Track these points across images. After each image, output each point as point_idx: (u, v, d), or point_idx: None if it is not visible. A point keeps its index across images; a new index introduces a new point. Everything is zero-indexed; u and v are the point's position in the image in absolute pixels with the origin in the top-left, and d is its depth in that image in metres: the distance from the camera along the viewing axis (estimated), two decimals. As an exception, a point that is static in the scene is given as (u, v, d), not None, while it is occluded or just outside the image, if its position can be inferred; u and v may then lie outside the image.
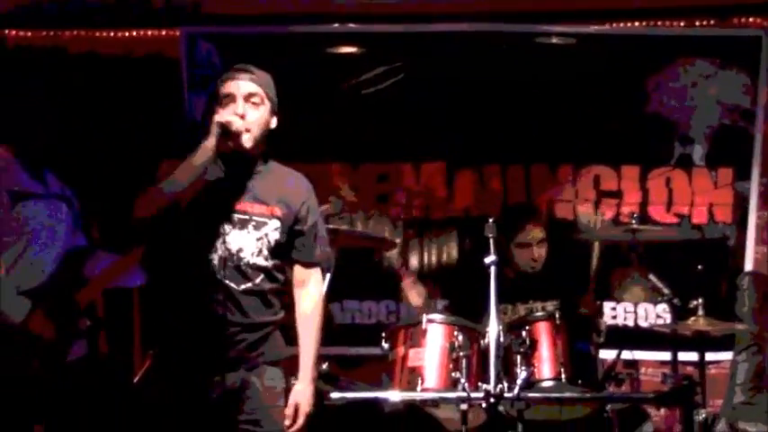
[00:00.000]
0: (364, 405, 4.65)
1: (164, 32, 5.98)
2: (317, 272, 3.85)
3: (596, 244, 5.37)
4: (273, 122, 3.80)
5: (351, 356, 5.61)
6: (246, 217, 3.66)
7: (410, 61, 5.95)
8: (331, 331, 4.75)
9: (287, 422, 3.68)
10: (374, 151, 5.99)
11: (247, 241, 3.64)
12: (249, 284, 3.64)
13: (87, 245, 4.38)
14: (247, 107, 3.67)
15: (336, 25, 6.00)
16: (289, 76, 5.85)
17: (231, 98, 3.67)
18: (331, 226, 4.92)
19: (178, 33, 5.93)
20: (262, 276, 3.66)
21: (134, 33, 5.97)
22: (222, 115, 3.60)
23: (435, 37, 5.94)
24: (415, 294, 5.19)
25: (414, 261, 6.00)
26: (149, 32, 5.97)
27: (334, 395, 4.37)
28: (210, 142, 3.56)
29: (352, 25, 6.00)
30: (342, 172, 5.99)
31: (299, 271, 3.82)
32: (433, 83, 5.93)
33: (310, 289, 3.82)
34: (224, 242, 3.61)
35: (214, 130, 3.56)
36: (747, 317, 5.68)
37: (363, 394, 4.58)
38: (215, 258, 3.60)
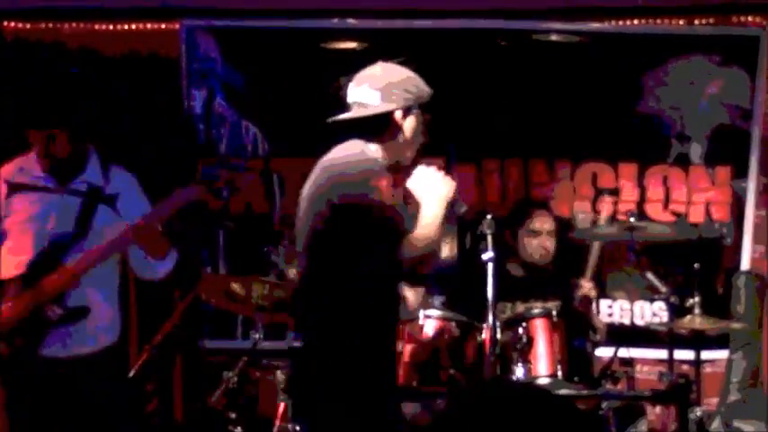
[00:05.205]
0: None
1: (163, 26, 5.98)
2: None
3: (596, 243, 5.32)
4: None
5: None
6: None
7: (409, 57, 5.92)
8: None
9: None
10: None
11: None
12: None
13: None
14: None
15: (336, 20, 6.00)
16: (288, 71, 5.96)
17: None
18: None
19: (177, 27, 5.94)
20: None
21: (133, 27, 5.96)
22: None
23: (434, 33, 5.94)
24: (412, 293, 5.15)
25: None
26: (149, 26, 5.97)
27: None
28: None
29: (351, 21, 6.00)
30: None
31: None
32: (432, 79, 5.90)
33: None
34: None
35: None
36: (743, 315, 5.69)
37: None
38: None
